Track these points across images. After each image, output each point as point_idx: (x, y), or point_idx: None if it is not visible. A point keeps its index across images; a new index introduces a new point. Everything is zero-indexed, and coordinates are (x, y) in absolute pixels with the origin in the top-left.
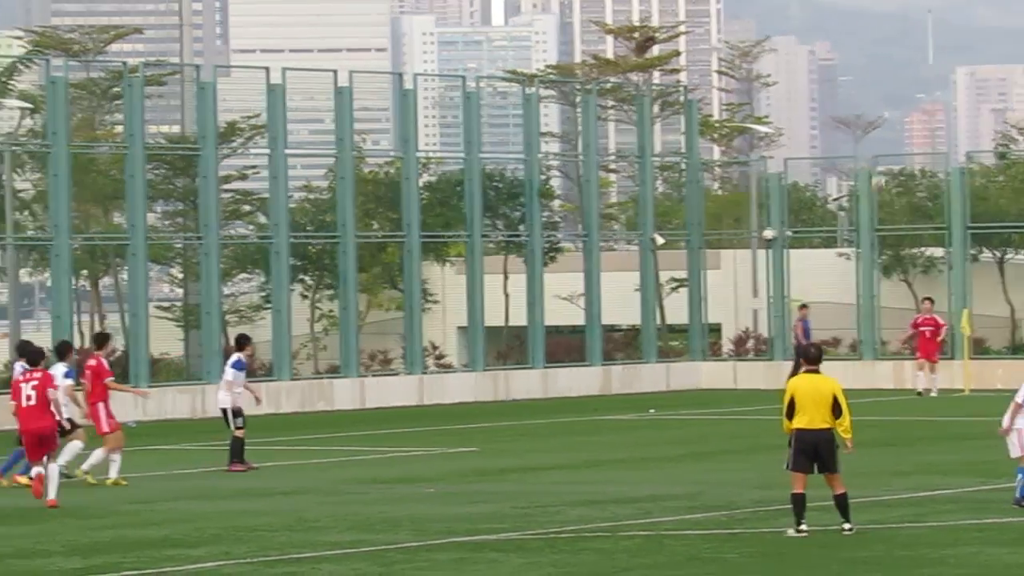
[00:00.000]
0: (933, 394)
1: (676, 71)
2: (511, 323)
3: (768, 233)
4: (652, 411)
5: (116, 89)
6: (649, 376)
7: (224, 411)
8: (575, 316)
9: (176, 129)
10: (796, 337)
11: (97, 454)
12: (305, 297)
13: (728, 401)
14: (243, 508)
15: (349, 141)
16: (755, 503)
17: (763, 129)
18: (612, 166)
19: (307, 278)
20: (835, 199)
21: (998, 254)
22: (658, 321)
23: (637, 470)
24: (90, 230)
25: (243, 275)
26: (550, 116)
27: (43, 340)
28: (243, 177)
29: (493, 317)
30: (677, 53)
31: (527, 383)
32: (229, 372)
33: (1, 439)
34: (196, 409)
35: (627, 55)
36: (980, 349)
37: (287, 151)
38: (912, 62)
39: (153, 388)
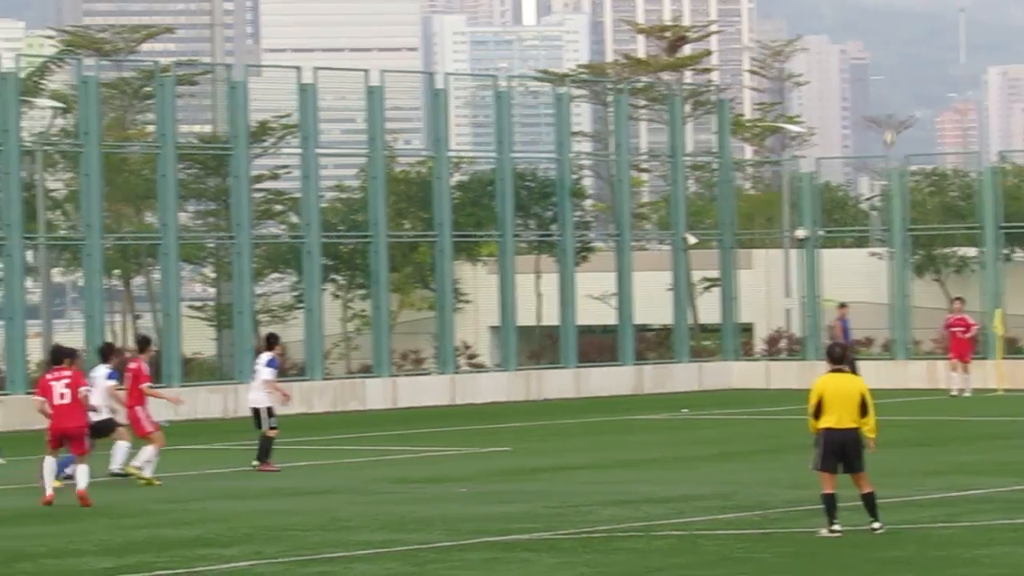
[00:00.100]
0: (967, 394)
1: (708, 70)
2: (543, 323)
3: (800, 233)
4: (684, 411)
5: (148, 89)
6: (681, 376)
7: (258, 410)
8: (607, 316)
9: (208, 129)
10: (834, 336)
11: (148, 451)
12: (337, 297)
13: (760, 401)
14: (275, 508)
15: (381, 141)
16: (788, 503)
17: (795, 128)
18: (644, 166)
19: (339, 278)
20: (867, 199)
21: None
22: (690, 321)
23: (670, 470)
24: (122, 230)
25: (275, 275)
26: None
27: (75, 340)
28: (275, 177)
29: (525, 317)
30: (709, 52)
31: (559, 383)
32: (266, 371)
33: (32, 439)
34: (228, 409)
35: (658, 54)
36: (1013, 349)
37: (319, 151)
38: (944, 61)
39: (185, 388)
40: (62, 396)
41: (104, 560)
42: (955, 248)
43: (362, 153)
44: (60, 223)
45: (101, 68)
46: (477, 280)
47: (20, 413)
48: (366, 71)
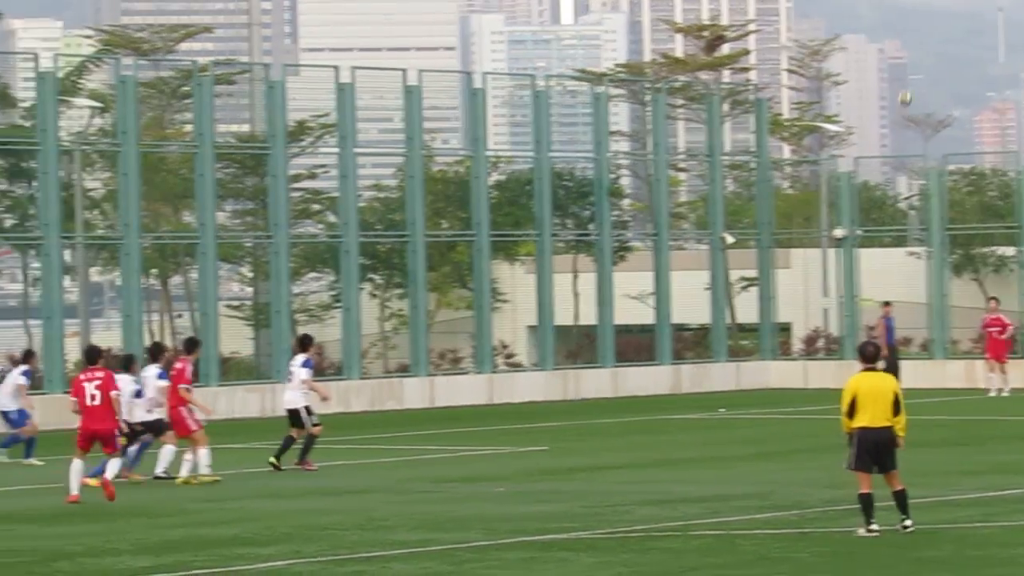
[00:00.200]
0: (1005, 393)
1: (746, 70)
2: (580, 322)
3: (838, 232)
4: (722, 410)
5: (185, 88)
6: (719, 375)
7: (297, 410)
8: (645, 315)
9: (246, 128)
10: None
11: (202, 454)
12: (374, 296)
13: (798, 400)
14: (313, 507)
15: (418, 140)
16: (825, 502)
17: (833, 128)
18: (682, 165)
19: (376, 277)
20: (905, 198)
21: None
22: (728, 320)
23: (707, 469)
24: (160, 229)
25: (313, 274)
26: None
27: (113, 339)
28: (312, 176)
29: (562, 316)
30: (747, 52)
31: (597, 382)
32: (303, 371)
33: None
34: (266, 408)
35: (697, 54)
36: None
37: (356, 150)
38: (982, 61)
39: (223, 387)
40: (93, 397)
41: (141, 559)
42: (993, 247)
43: (400, 152)
44: (98, 222)
45: (139, 68)
46: (515, 279)
47: (57, 412)
48: (404, 70)
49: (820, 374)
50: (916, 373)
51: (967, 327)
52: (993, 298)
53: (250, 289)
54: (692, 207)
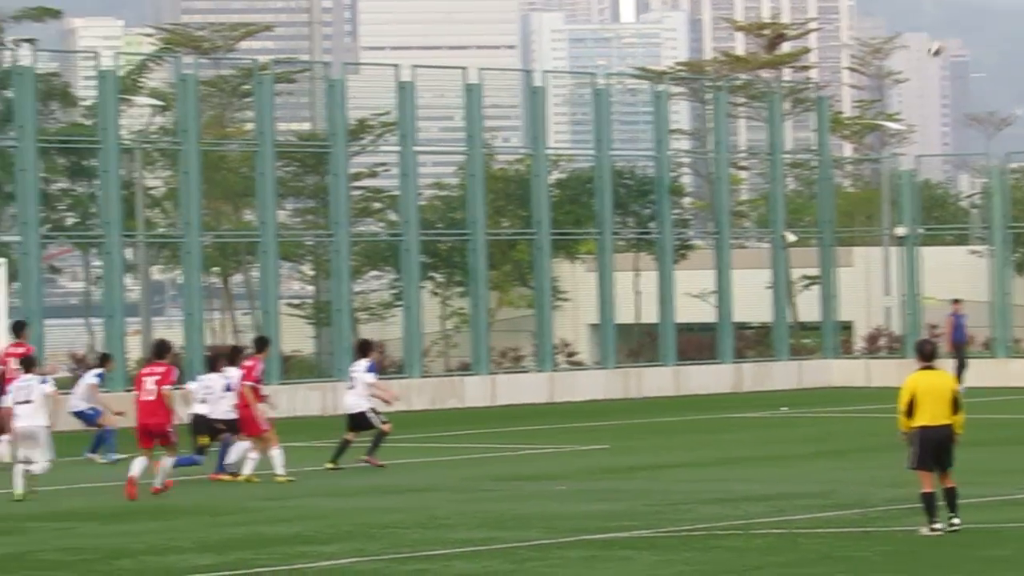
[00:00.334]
0: None
1: (807, 68)
2: (642, 320)
3: (900, 230)
4: (784, 409)
5: (246, 86)
6: (781, 374)
7: (361, 414)
8: (706, 313)
9: (306, 126)
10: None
11: (275, 454)
12: (436, 294)
13: (860, 399)
14: (375, 505)
15: (479, 138)
16: (888, 501)
17: (894, 126)
18: (743, 163)
19: (437, 275)
20: (967, 196)
21: None
22: (790, 319)
23: (769, 468)
24: (221, 227)
25: (373, 272)
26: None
27: (174, 337)
28: (373, 174)
29: (624, 314)
30: (807, 50)
31: (658, 380)
32: (369, 376)
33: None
34: (327, 406)
35: (757, 52)
36: None
37: (417, 148)
38: None
39: (284, 386)
40: (148, 392)
41: (204, 557)
42: None
43: (460, 151)
44: (159, 221)
45: (200, 66)
46: (576, 278)
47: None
48: (464, 69)
49: (882, 373)
50: (978, 372)
51: None
52: None
53: (311, 287)
54: (753, 205)
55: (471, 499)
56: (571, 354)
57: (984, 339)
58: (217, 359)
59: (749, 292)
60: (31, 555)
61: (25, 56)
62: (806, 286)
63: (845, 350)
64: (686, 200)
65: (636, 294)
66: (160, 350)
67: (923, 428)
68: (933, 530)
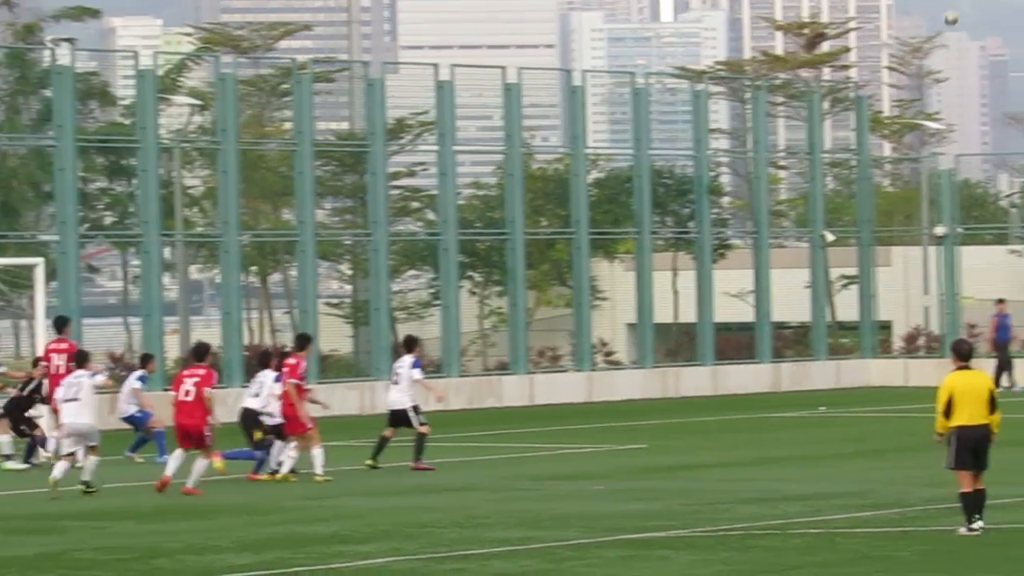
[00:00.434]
0: None
1: (846, 67)
2: (680, 320)
3: (939, 230)
4: (822, 408)
5: (285, 86)
6: (819, 373)
7: (403, 411)
8: (744, 313)
9: (345, 126)
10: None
11: (316, 453)
12: (474, 294)
13: (898, 399)
14: (412, 504)
15: (518, 138)
16: (926, 501)
17: (934, 125)
18: (782, 163)
19: (476, 275)
20: (1006, 196)
21: None
22: (828, 318)
23: (807, 467)
24: (259, 226)
25: (412, 271)
26: (719, 112)
27: (212, 337)
28: (412, 174)
29: (662, 314)
30: (847, 49)
31: (696, 380)
32: (415, 372)
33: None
34: (365, 405)
35: (797, 51)
36: None
37: (455, 148)
38: None
39: (322, 385)
40: (187, 393)
41: (242, 556)
42: None
43: (499, 150)
44: (197, 220)
45: (238, 65)
46: (614, 277)
47: (157, 410)
48: (503, 68)
49: (920, 372)
50: (1018, 373)
51: None
52: None
53: (349, 287)
54: (792, 205)
55: (508, 498)
56: (609, 354)
57: None
58: (270, 355)
59: (787, 292)
60: (67, 554)
61: (64, 55)
62: (844, 286)
63: (883, 350)
64: (725, 199)
65: (674, 293)
66: (200, 352)
67: (961, 428)
68: (971, 530)
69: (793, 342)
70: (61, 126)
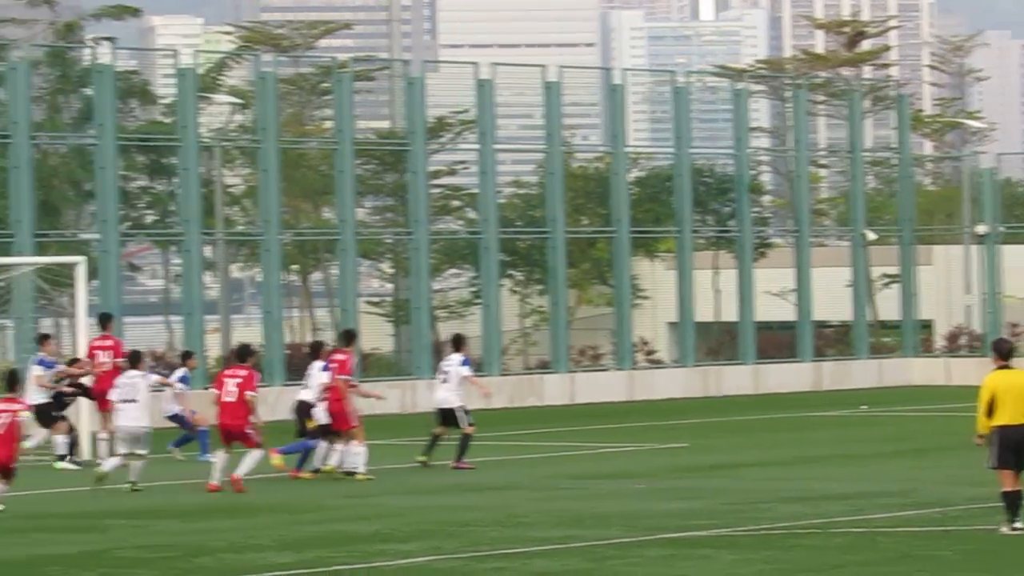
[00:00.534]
0: None
1: (887, 66)
2: (721, 319)
3: (980, 229)
4: (863, 407)
5: (325, 84)
6: (861, 372)
7: (451, 410)
8: (785, 312)
9: (385, 124)
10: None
11: (359, 451)
12: (514, 292)
13: (940, 398)
14: (453, 503)
15: (558, 136)
16: (968, 500)
17: (975, 124)
18: (822, 161)
19: (516, 273)
20: None
21: None
22: (870, 317)
23: (849, 467)
24: (300, 225)
25: (452, 270)
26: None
27: (253, 335)
28: (452, 172)
29: (703, 313)
30: (888, 48)
31: (737, 379)
32: (464, 370)
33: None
34: (406, 404)
35: (837, 50)
36: None
37: (496, 146)
38: None
39: (363, 383)
40: (230, 394)
41: (283, 555)
42: None
43: (539, 149)
44: (238, 219)
45: (279, 64)
46: (655, 276)
47: (197, 408)
48: (543, 67)
49: (962, 371)
50: None
51: None
52: None
53: (390, 285)
54: (833, 203)
55: (550, 497)
56: (650, 352)
57: None
58: (321, 345)
59: (829, 290)
60: (110, 553)
61: (105, 54)
62: (886, 284)
63: (925, 348)
64: (766, 198)
65: (715, 292)
66: (243, 354)
67: (1002, 427)
68: (1014, 529)
69: (834, 341)
70: (102, 125)
